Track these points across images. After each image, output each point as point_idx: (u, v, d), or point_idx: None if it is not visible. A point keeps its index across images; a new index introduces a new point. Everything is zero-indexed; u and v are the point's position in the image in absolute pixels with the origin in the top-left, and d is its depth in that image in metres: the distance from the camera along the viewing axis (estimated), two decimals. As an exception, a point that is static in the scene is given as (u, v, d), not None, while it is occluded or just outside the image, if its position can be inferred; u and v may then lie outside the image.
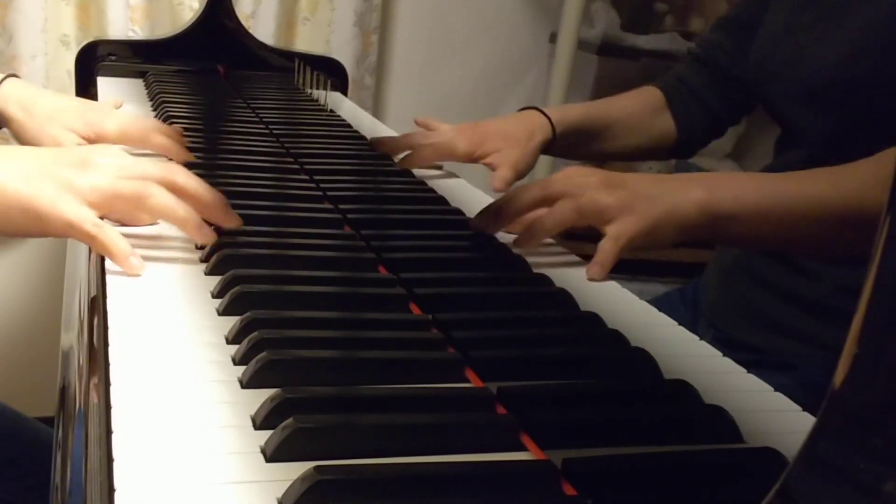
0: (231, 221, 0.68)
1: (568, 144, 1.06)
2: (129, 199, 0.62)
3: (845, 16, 0.84)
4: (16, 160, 0.62)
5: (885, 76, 0.79)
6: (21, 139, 0.92)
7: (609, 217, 0.71)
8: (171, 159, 0.88)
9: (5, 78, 0.94)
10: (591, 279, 0.72)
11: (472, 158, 1.01)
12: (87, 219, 0.60)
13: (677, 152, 1.13)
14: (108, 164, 0.63)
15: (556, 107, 1.07)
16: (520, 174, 1.00)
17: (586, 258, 0.77)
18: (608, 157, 1.14)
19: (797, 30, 0.90)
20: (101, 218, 0.62)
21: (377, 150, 1.03)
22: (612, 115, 1.08)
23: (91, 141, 0.91)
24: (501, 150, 1.00)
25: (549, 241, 0.78)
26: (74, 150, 0.65)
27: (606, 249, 0.71)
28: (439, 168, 1.04)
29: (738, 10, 1.06)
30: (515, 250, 0.74)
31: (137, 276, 0.61)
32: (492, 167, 1.00)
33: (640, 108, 1.09)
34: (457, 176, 1.03)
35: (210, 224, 0.67)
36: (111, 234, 0.60)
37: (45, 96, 0.94)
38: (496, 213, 0.76)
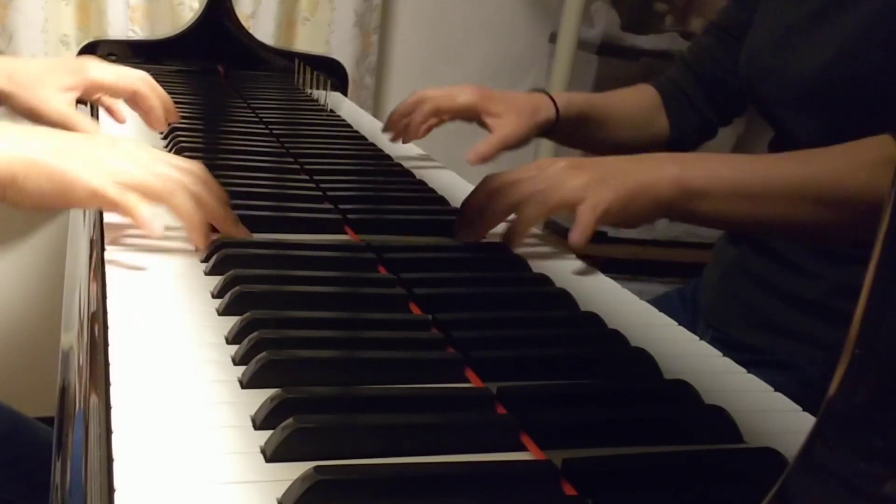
0: (239, 235, 0.69)
1: (569, 131, 1.08)
2: (155, 193, 0.64)
3: (834, 18, 0.84)
4: (48, 138, 0.64)
5: (873, 78, 0.79)
6: (15, 108, 0.92)
7: (581, 196, 0.71)
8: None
9: None
10: (572, 244, 0.72)
11: (472, 111, 1.02)
12: (110, 185, 0.62)
13: (668, 151, 1.12)
14: (137, 154, 0.66)
15: (561, 93, 1.08)
16: (506, 146, 1.00)
17: (586, 258, 0.77)
18: (606, 148, 1.16)
19: (787, 32, 0.90)
20: None
21: (392, 131, 1.04)
22: (614, 108, 1.09)
23: (86, 91, 0.93)
24: (502, 116, 1.01)
25: (548, 240, 0.78)
26: (104, 136, 0.67)
27: (585, 216, 0.70)
28: (433, 161, 1.05)
29: (726, 15, 1.07)
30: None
31: (160, 237, 0.64)
32: (490, 129, 1.01)
33: (639, 104, 1.11)
34: (443, 168, 1.04)
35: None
36: (134, 199, 0.63)
37: (27, 63, 0.95)
38: (473, 225, 0.76)
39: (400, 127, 1.04)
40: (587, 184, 0.71)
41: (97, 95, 0.98)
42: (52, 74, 0.91)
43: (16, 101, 0.90)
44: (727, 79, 1.05)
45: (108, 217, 0.72)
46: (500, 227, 0.78)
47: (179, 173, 0.66)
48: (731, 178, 0.72)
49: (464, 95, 1.02)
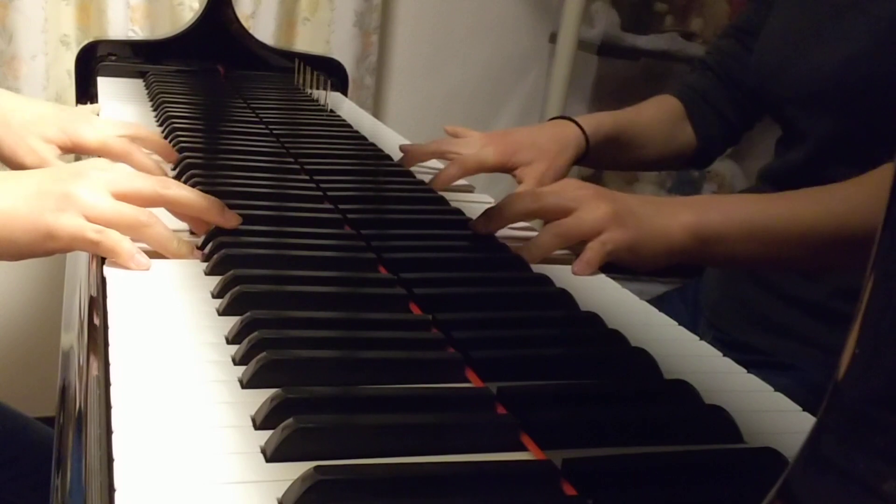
0: (230, 221, 0.69)
1: (598, 156, 1.04)
2: (127, 226, 0.63)
3: (846, 18, 0.84)
4: (13, 183, 0.63)
5: (885, 79, 0.79)
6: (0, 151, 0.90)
7: (598, 231, 0.72)
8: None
9: None
10: (574, 273, 0.73)
11: (502, 168, 0.98)
12: (87, 227, 0.61)
13: (696, 162, 1.12)
14: (102, 179, 0.64)
15: (587, 116, 1.04)
16: None
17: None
18: (634, 167, 1.14)
19: (799, 32, 0.90)
20: None
21: (405, 164, 1.00)
22: (641, 125, 1.06)
23: (68, 150, 0.90)
24: (532, 163, 0.97)
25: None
26: (68, 166, 0.66)
27: (594, 249, 0.72)
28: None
29: (744, 17, 1.06)
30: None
31: (146, 269, 0.62)
32: (518, 179, 0.98)
33: (663, 117, 1.08)
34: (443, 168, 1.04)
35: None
36: (114, 237, 0.61)
37: (22, 106, 0.92)
38: (490, 218, 0.76)
39: (412, 162, 1.02)
40: (606, 218, 0.72)
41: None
42: (42, 124, 0.90)
43: (1, 144, 0.88)
44: (749, 80, 1.02)
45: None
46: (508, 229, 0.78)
47: (146, 187, 0.65)
48: (746, 221, 0.73)
49: (490, 155, 0.97)
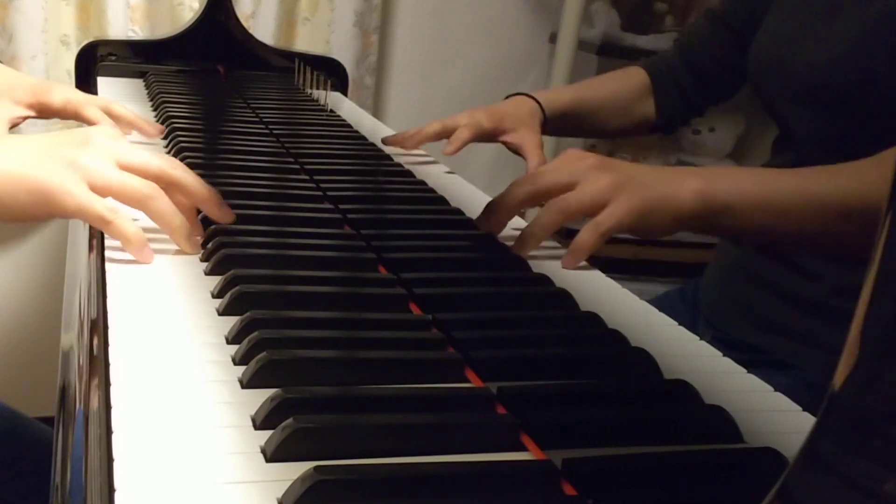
0: (225, 217, 0.69)
1: (557, 127, 1.12)
2: (131, 197, 0.63)
3: (841, 16, 0.84)
4: (17, 145, 0.62)
5: (880, 77, 0.79)
6: None
7: (602, 202, 0.71)
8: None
9: None
10: (564, 267, 0.73)
11: (494, 134, 1.07)
12: (100, 202, 0.60)
13: (658, 131, 1.17)
14: (109, 148, 0.63)
15: (545, 91, 1.12)
16: (539, 161, 1.05)
17: (587, 258, 0.77)
18: (593, 135, 1.20)
19: (794, 30, 0.90)
20: None
21: (390, 145, 1.08)
22: (600, 100, 1.12)
23: (35, 110, 0.93)
24: (517, 130, 1.06)
25: (550, 241, 0.78)
26: (75, 131, 0.65)
27: (583, 238, 0.72)
28: (433, 160, 1.07)
29: (726, 5, 1.08)
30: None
31: (149, 263, 0.63)
32: (510, 146, 1.07)
33: (626, 92, 1.13)
34: (426, 155, 1.06)
35: (206, 224, 0.68)
36: (126, 222, 0.61)
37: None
38: (492, 212, 0.77)
39: (410, 144, 1.09)
40: (610, 188, 0.70)
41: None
42: (15, 90, 0.92)
43: None
44: (713, 67, 1.08)
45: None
46: (510, 230, 0.78)
47: (154, 164, 0.65)
48: (755, 192, 0.72)
49: (485, 123, 1.07)
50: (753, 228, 0.73)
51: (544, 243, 0.78)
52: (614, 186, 0.70)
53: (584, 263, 0.75)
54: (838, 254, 0.85)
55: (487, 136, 1.08)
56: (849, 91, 0.81)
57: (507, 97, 1.12)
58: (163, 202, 0.64)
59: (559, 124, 1.12)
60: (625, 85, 1.14)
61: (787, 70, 0.89)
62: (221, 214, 0.69)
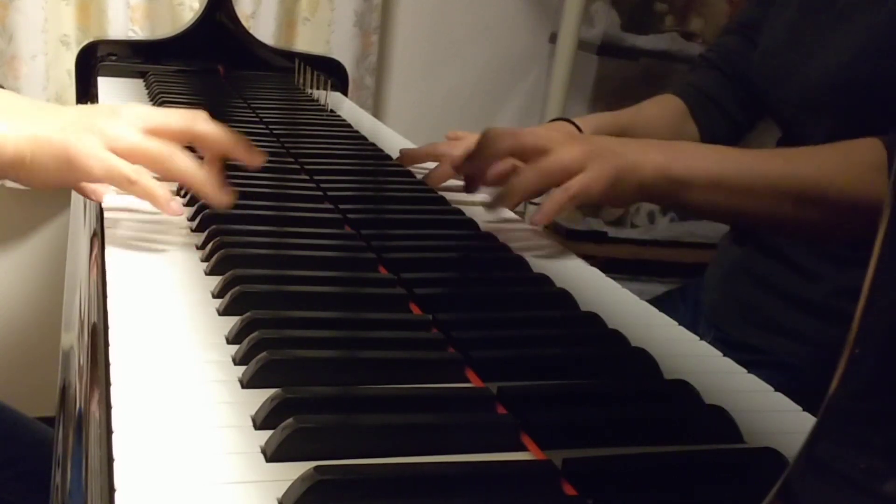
0: (255, 159, 0.71)
1: None
2: (153, 159, 0.65)
3: (846, 22, 0.84)
4: (49, 113, 0.65)
5: (885, 82, 0.79)
6: None
7: (574, 170, 0.73)
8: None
9: None
10: (532, 224, 0.77)
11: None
12: (124, 164, 0.63)
13: None
14: (136, 114, 0.66)
15: (586, 117, 1.05)
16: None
17: (587, 258, 0.77)
18: None
19: (800, 35, 0.90)
20: None
21: (404, 164, 1.00)
22: (641, 125, 1.06)
23: None
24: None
25: (549, 240, 0.78)
26: (103, 105, 0.68)
27: (555, 198, 0.74)
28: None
29: (747, 13, 1.06)
30: (487, 213, 0.79)
31: (179, 215, 0.67)
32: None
33: (666, 116, 1.08)
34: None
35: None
36: (151, 180, 0.64)
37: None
38: (472, 158, 0.78)
39: (408, 163, 1.01)
40: (584, 155, 0.73)
41: None
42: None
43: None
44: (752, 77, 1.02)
45: (109, 215, 0.72)
46: (501, 226, 0.78)
47: (176, 120, 0.67)
48: (714, 170, 0.74)
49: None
50: (710, 205, 0.75)
51: (544, 242, 0.78)
52: (588, 154, 0.73)
53: (583, 265, 0.75)
54: (793, 235, 0.88)
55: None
56: (858, 96, 0.81)
57: (550, 121, 1.05)
58: (183, 160, 0.65)
59: None
60: (663, 109, 1.08)
61: (793, 76, 0.89)
62: (251, 157, 0.71)
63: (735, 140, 1.10)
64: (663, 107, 1.09)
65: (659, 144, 0.77)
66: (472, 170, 0.79)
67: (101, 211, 0.73)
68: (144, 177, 0.64)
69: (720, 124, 1.07)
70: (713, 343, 0.61)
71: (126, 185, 0.64)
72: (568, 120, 1.03)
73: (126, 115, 0.66)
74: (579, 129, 1.00)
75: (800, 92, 0.88)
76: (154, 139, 0.65)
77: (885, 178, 0.68)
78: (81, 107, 0.69)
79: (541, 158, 0.74)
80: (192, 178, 0.66)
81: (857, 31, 0.82)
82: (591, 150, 0.74)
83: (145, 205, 0.69)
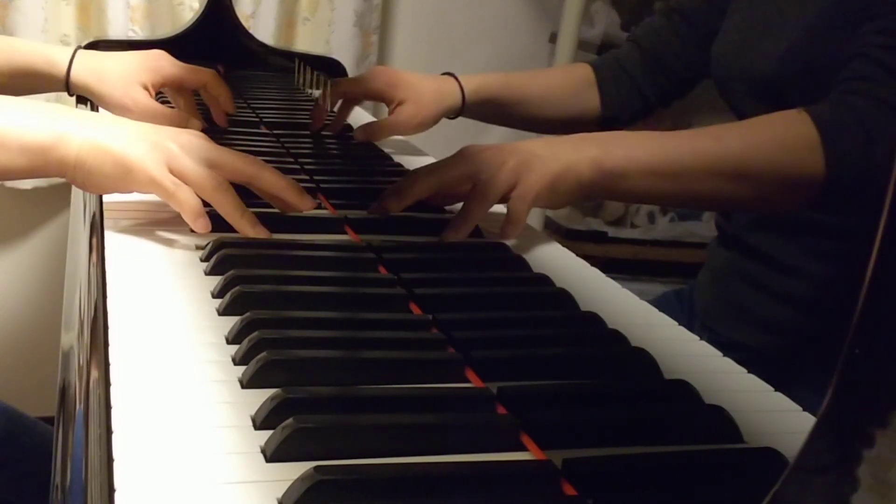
0: (305, 204, 0.73)
1: (483, 112, 1.12)
2: (201, 187, 0.68)
3: (788, 13, 0.86)
4: (119, 125, 0.70)
5: (823, 68, 0.80)
6: (101, 103, 1.02)
7: (511, 183, 0.74)
8: None
9: (75, 52, 1.02)
10: (505, 239, 0.76)
11: (378, 97, 1.11)
12: (168, 177, 0.67)
13: (602, 126, 1.15)
14: (200, 145, 0.69)
15: (474, 76, 1.11)
16: (395, 132, 1.08)
17: (587, 258, 0.77)
18: (529, 125, 1.19)
19: (750, 26, 0.92)
20: None
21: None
22: (531, 89, 1.12)
23: (158, 84, 1.03)
24: (404, 103, 1.06)
25: (549, 240, 0.78)
26: (169, 127, 0.72)
27: (517, 209, 0.75)
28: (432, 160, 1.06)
29: (685, 1, 1.08)
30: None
31: (203, 232, 0.68)
32: (389, 113, 1.09)
33: (563, 83, 1.13)
34: (426, 154, 1.06)
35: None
36: (188, 194, 0.67)
37: (111, 59, 1.04)
38: (393, 194, 0.78)
39: (320, 115, 1.10)
40: (515, 169, 0.74)
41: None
42: (136, 74, 1.01)
43: (102, 96, 1.01)
44: (672, 62, 1.07)
45: (109, 215, 0.72)
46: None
47: (245, 167, 0.70)
48: (648, 157, 0.75)
49: (373, 82, 1.09)
50: (649, 192, 0.77)
51: (545, 241, 0.78)
52: (520, 165, 0.74)
53: (583, 265, 0.75)
54: (733, 210, 0.92)
55: (369, 95, 1.11)
56: (795, 84, 0.82)
57: (442, 74, 1.12)
58: (227, 197, 0.68)
59: (484, 109, 1.12)
60: (563, 78, 1.14)
61: (742, 67, 0.90)
62: (302, 202, 0.73)
63: (643, 115, 1.14)
64: (566, 75, 1.14)
65: (592, 138, 0.78)
66: (393, 206, 0.78)
67: (101, 211, 0.74)
68: (182, 190, 0.67)
69: (629, 99, 1.11)
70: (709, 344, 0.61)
71: (165, 195, 0.67)
72: (453, 75, 1.10)
73: (192, 139, 0.70)
74: (460, 86, 1.08)
75: (747, 83, 0.90)
76: (207, 170, 0.68)
77: (811, 149, 0.71)
78: (150, 125, 0.73)
79: (475, 189, 0.74)
80: (231, 216, 0.69)
81: (795, 20, 0.84)
82: (523, 161, 0.74)
83: (145, 204, 0.70)
